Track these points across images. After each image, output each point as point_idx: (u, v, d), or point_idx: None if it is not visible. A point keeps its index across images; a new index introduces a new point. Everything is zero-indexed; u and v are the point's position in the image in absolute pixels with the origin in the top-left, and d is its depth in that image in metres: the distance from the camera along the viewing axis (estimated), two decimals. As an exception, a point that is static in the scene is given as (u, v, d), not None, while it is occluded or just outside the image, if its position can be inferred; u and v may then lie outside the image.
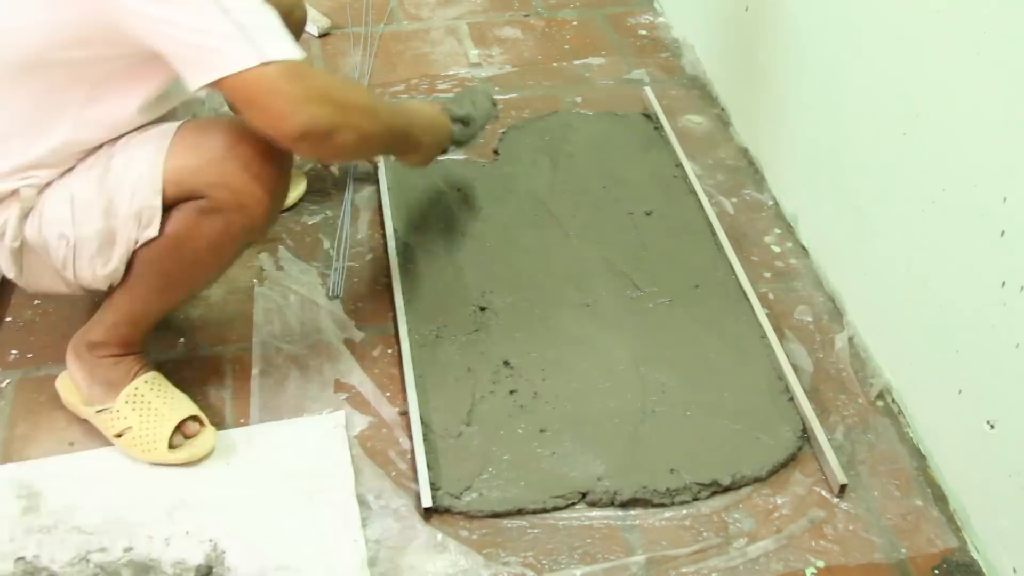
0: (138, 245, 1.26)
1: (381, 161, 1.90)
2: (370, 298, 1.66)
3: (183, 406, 1.40)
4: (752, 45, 1.98)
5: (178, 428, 1.37)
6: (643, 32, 2.42)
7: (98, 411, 1.39)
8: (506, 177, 1.91)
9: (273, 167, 1.24)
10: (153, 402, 1.38)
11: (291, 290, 1.65)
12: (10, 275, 1.34)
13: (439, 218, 1.80)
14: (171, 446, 1.36)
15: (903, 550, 1.32)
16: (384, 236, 1.75)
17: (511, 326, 1.60)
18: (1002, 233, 1.22)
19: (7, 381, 1.49)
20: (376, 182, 1.87)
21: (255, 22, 1.10)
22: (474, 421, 1.45)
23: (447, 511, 1.34)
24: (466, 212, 1.82)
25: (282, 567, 1.25)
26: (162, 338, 1.56)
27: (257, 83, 1.10)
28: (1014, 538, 1.26)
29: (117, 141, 1.26)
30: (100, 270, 1.28)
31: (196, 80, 1.11)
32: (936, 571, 1.31)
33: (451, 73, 2.22)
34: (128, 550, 1.26)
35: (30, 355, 1.53)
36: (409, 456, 1.41)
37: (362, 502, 1.34)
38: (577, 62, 2.29)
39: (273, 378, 1.51)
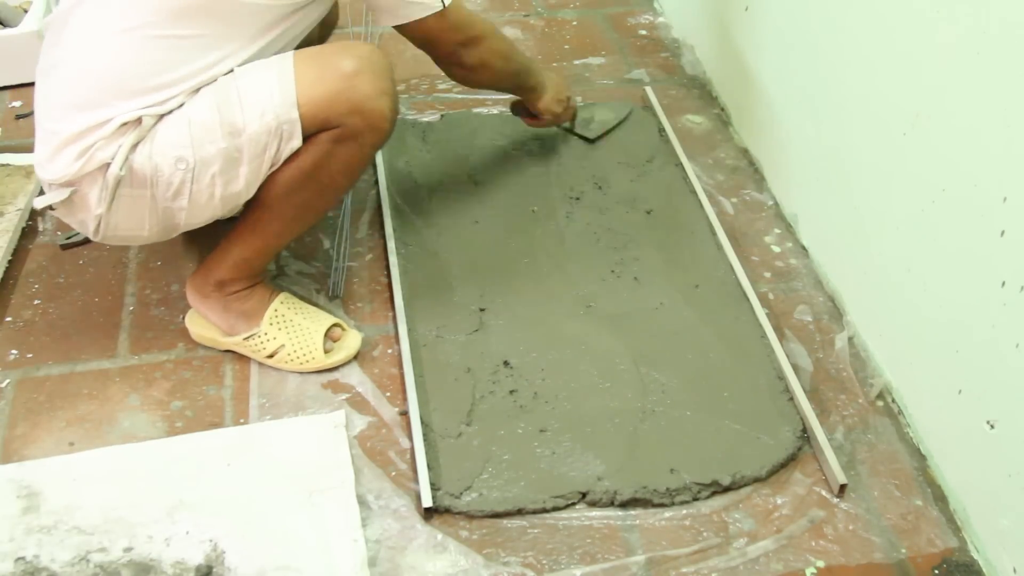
0: (276, 166, 1.34)
1: (380, 162, 1.90)
2: (370, 298, 1.66)
3: (322, 317, 1.54)
4: (752, 45, 1.98)
5: (325, 335, 1.51)
6: (643, 32, 2.42)
7: (245, 338, 1.50)
8: (505, 176, 1.91)
9: (389, 80, 1.38)
10: (295, 319, 1.51)
11: (291, 290, 1.65)
12: (93, 213, 1.33)
13: (439, 218, 1.80)
14: (324, 352, 1.50)
15: (903, 550, 1.32)
16: (384, 236, 1.75)
17: (511, 326, 1.60)
18: (1002, 233, 1.22)
19: (7, 381, 1.49)
20: (376, 182, 1.87)
21: None
22: (474, 421, 1.45)
23: (447, 511, 1.34)
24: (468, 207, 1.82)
25: (282, 567, 1.25)
26: (162, 338, 1.56)
27: (437, 26, 1.46)
28: (1014, 538, 1.26)
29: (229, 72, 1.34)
30: (223, 188, 1.33)
31: (387, 22, 1.44)
32: (936, 571, 1.31)
33: (451, 73, 2.22)
34: (128, 550, 1.26)
35: (30, 355, 1.53)
36: (409, 456, 1.41)
37: (362, 502, 1.34)
38: (577, 62, 2.29)
39: (273, 378, 1.51)
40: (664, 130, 2.04)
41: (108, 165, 1.28)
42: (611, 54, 2.32)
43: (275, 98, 1.30)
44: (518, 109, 1.89)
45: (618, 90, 2.19)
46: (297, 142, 1.33)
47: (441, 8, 1.43)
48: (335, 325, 1.53)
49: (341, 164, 1.38)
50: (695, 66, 2.25)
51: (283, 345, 1.49)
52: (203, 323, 1.53)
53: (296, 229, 1.47)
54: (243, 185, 1.34)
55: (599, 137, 2.00)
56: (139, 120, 1.28)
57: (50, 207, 1.34)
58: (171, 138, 1.29)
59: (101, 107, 1.27)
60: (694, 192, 1.88)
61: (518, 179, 1.90)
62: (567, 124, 1.98)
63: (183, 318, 1.56)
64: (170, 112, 1.30)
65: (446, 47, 1.52)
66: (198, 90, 1.32)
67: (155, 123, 1.29)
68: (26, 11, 2.17)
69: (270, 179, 1.36)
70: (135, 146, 1.29)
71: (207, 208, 1.35)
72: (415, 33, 1.46)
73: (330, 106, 1.32)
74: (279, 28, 1.37)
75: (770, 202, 1.90)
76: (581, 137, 2.00)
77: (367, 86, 1.34)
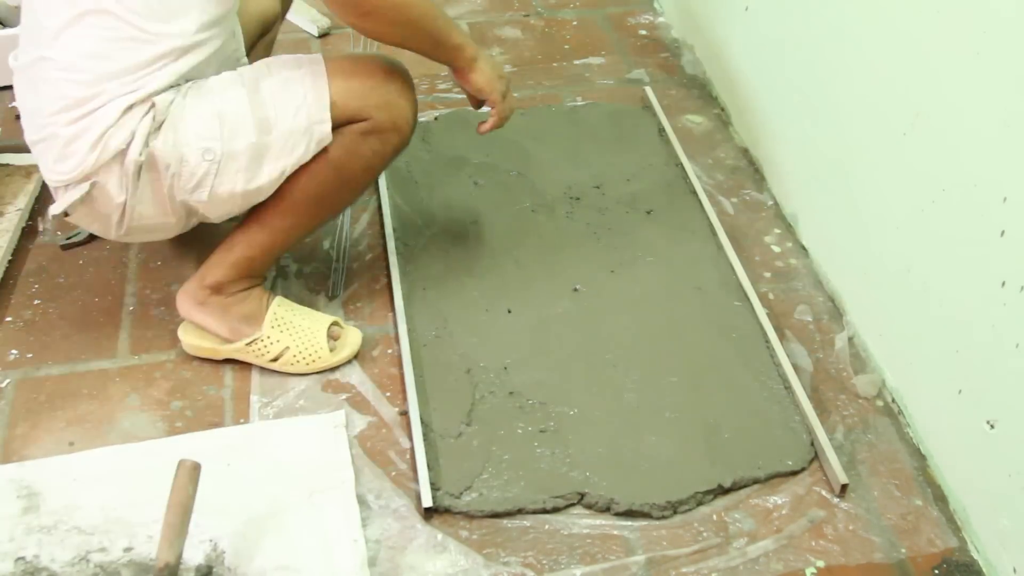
0: (303, 162, 1.34)
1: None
2: (370, 298, 1.66)
3: (319, 316, 1.53)
4: (752, 45, 1.98)
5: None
6: (643, 32, 2.42)
7: (248, 344, 1.48)
8: (505, 176, 1.91)
9: (414, 89, 1.42)
10: (295, 320, 1.50)
11: (291, 291, 1.65)
12: (119, 201, 1.32)
13: (439, 218, 1.80)
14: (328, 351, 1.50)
15: (903, 550, 1.32)
16: (384, 236, 1.75)
17: (510, 326, 1.60)
18: (1002, 233, 1.22)
19: (7, 381, 1.49)
20: (376, 182, 1.87)
21: None
22: (474, 421, 1.45)
23: (447, 511, 1.34)
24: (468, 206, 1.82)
25: (282, 567, 1.25)
26: (162, 338, 1.56)
27: None
28: (1014, 538, 1.26)
29: (255, 66, 1.37)
30: (245, 183, 1.33)
31: None
32: (936, 571, 1.31)
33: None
34: (128, 550, 1.26)
35: (30, 355, 1.53)
36: (409, 456, 1.41)
37: (362, 502, 1.34)
38: (577, 62, 2.29)
39: (273, 378, 1.51)
40: (664, 130, 2.04)
41: (125, 152, 1.28)
42: (611, 54, 2.32)
43: (308, 97, 1.32)
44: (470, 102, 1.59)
45: (618, 90, 2.19)
46: (327, 138, 1.34)
47: None
48: (333, 324, 1.54)
49: (364, 160, 1.40)
50: (695, 66, 2.25)
51: (288, 347, 1.49)
52: (199, 333, 1.51)
53: (306, 227, 1.46)
54: (266, 181, 1.34)
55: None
56: (151, 103, 1.28)
57: (65, 213, 1.32)
58: (199, 129, 1.29)
59: (95, 95, 1.26)
60: (694, 192, 1.88)
61: (518, 179, 1.90)
62: None
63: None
64: (187, 96, 1.30)
65: None
66: (212, 69, 1.34)
67: (170, 105, 1.29)
68: (26, 11, 2.17)
69: (293, 178, 1.36)
70: (157, 131, 1.28)
71: (227, 203, 1.36)
72: None
73: (365, 97, 1.35)
74: None
75: (770, 202, 1.90)
76: None
77: (400, 86, 1.39)
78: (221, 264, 1.45)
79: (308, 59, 1.37)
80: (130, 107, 1.27)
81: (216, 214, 1.38)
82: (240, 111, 1.31)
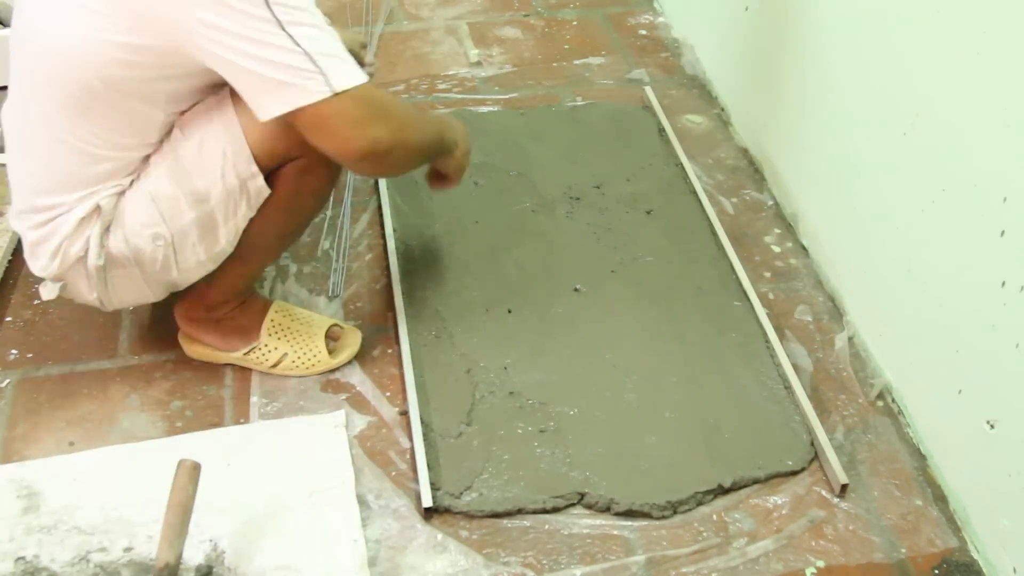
0: (252, 214, 1.30)
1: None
2: (370, 298, 1.66)
3: (317, 320, 1.53)
4: (752, 45, 1.98)
5: (325, 336, 1.50)
6: (643, 32, 2.42)
7: (245, 353, 1.49)
8: (505, 176, 1.91)
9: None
10: (292, 325, 1.50)
11: (291, 291, 1.65)
12: (91, 298, 1.34)
13: (439, 218, 1.80)
14: (328, 353, 1.50)
15: (903, 550, 1.32)
16: (384, 236, 1.75)
17: (511, 326, 1.60)
18: (1002, 233, 1.22)
19: (7, 381, 1.49)
20: (376, 183, 1.87)
21: (323, 49, 1.13)
22: (474, 421, 1.45)
23: (447, 511, 1.34)
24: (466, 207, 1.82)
25: (282, 567, 1.25)
26: (162, 338, 1.56)
27: (327, 113, 1.13)
28: (1014, 538, 1.26)
29: (171, 132, 1.27)
30: (207, 252, 1.32)
31: (269, 111, 1.13)
32: (936, 571, 1.31)
33: (451, 73, 2.22)
34: (128, 550, 1.26)
35: (30, 355, 1.53)
36: (409, 456, 1.41)
37: (362, 502, 1.34)
38: (577, 62, 2.29)
39: (273, 378, 1.51)
40: (664, 130, 2.04)
41: (84, 259, 1.28)
42: (611, 54, 2.32)
43: (229, 156, 1.24)
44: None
45: (618, 90, 2.19)
46: (264, 190, 1.28)
47: (330, 94, 1.12)
48: (333, 325, 1.53)
49: (313, 190, 1.35)
50: (695, 66, 2.25)
51: (286, 354, 1.49)
52: (199, 343, 1.51)
53: (278, 251, 1.48)
54: (225, 243, 1.32)
55: None
56: (97, 208, 1.26)
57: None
58: (140, 218, 1.27)
59: (54, 205, 1.26)
60: (694, 192, 1.88)
61: (518, 179, 1.90)
62: None
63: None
64: (125, 190, 1.27)
65: (341, 135, 1.17)
66: (147, 159, 1.28)
67: (115, 203, 1.26)
68: (26, 11, 2.16)
69: (248, 223, 1.33)
70: (106, 232, 1.27)
71: (199, 269, 1.35)
72: (302, 121, 1.15)
73: (287, 136, 1.22)
74: (189, 101, 1.26)
75: (770, 202, 1.90)
76: None
77: None
78: (209, 289, 1.43)
79: (217, 107, 1.25)
80: (85, 217, 1.26)
81: (194, 279, 1.37)
82: (170, 191, 1.26)
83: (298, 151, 1.26)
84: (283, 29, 1.10)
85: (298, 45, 1.10)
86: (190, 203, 1.26)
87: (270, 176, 1.29)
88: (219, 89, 1.26)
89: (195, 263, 1.33)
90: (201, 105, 1.27)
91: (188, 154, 1.25)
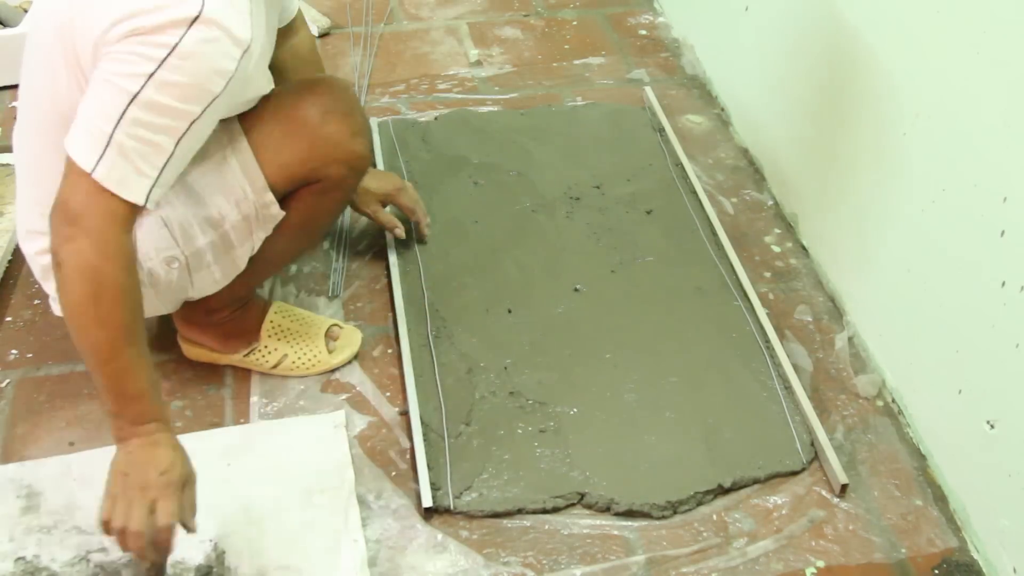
0: (266, 236, 1.31)
1: (380, 162, 1.90)
2: (370, 298, 1.66)
3: (316, 320, 1.54)
4: (752, 45, 1.98)
5: (325, 336, 1.51)
6: (643, 32, 2.42)
7: (245, 355, 1.49)
8: (505, 176, 1.91)
9: (358, 113, 1.32)
10: (292, 326, 1.51)
11: (291, 291, 1.65)
12: None
13: (439, 218, 1.80)
14: (328, 353, 1.50)
15: (903, 550, 1.32)
16: (384, 236, 1.75)
17: (511, 326, 1.60)
18: (1002, 233, 1.22)
19: (7, 381, 1.49)
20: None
21: (137, 148, 1.05)
22: (474, 421, 1.45)
23: (447, 511, 1.34)
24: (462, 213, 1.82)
25: (282, 567, 1.25)
26: (162, 338, 1.56)
27: (76, 192, 1.05)
28: (1014, 538, 1.26)
29: None
30: (222, 272, 1.32)
31: (68, 142, 1.06)
32: (936, 571, 1.31)
33: (451, 73, 2.22)
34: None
35: (30, 355, 1.53)
36: (409, 456, 1.41)
37: (362, 502, 1.34)
38: (577, 62, 2.29)
39: (273, 378, 1.51)
40: (664, 130, 2.04)
41: None
42: (611, 54, 2.32)
43: (246, 187, 1.26)
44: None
45: (618, 90, 2.19)
46: (279, 214, 1.30)
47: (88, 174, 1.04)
48: (333, 325, 1.53)
49: (329, 209, 1.40)
50: (695, 66, 2.25)
51: (286, 355, 1.49)
52: (197, 347, 1.51)
53: (287, 265, 1.50)
54: (241, 263, 1.33)
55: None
56: None
57: None
58: (154, 243, 1.25)
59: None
60: (694, 192, 1.88)
61: (518, 179, 1.90)
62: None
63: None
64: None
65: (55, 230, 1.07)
66: None
67: None
68: (26, 11, 2.17)
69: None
70: None
71: (214, 286, 1.35)
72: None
73: (304, 163, 1.26)
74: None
75: (770, 202, 1.90)
76: None
77: (338, 131, 1.28)
78: (216, 295, 1.41)
79: (228, 137, 1.25)
80: None
81: (208, 293, 1.37)
82: (183, 217, 1.25)
83: (315, 176, 1.30)
84: (129, 101, 1.03)
85: (117, 124, 1.03)
86: (203, 230, 1.27)
87: (285, 198, 1.30)
88: (227, 119, 1.25)
89: (210, 282, 1.34)
90: (211, 132, 1.24)
91: (198, 180, 1.25)
